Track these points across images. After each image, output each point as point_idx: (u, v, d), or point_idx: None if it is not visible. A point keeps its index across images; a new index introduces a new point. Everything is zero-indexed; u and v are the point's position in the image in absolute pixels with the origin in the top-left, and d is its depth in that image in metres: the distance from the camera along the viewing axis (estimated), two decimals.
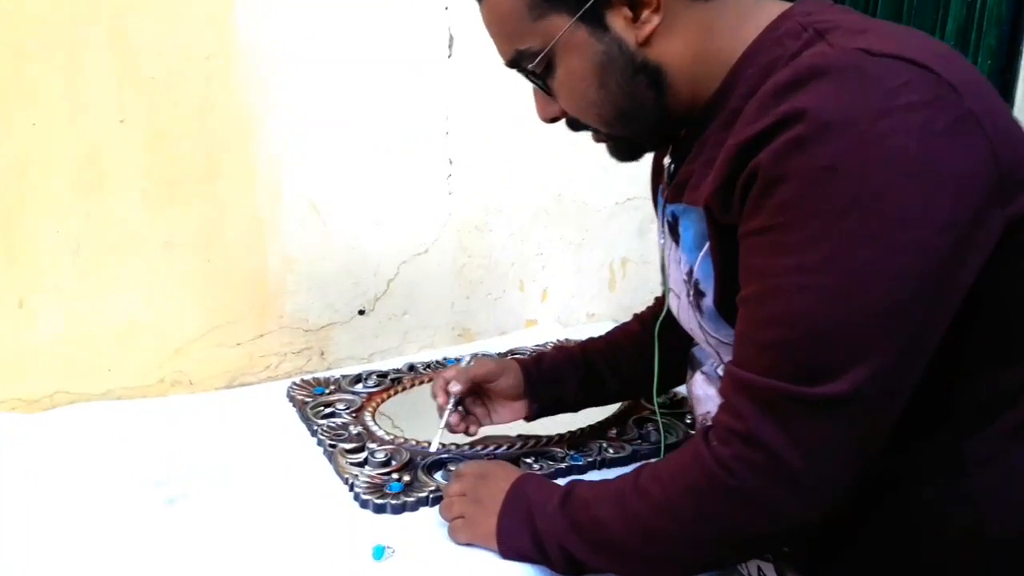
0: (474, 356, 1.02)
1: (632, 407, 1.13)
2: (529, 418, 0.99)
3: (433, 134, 1.31)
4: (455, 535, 0.81)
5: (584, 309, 1.57)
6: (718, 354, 0.77)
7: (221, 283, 1.19)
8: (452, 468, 0.94)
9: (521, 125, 1.38)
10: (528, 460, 0.97)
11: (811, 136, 0.57)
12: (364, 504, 0.88)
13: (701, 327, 0.75)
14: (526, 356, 1.05)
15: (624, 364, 0.99)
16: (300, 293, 1.26)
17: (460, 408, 0.96)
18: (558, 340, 1.40)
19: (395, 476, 0.92)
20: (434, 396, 0.96)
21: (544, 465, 0.96)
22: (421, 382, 1.22)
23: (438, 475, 0.95)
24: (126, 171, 1.09)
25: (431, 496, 0.89)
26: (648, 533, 0.68)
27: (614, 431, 1.05)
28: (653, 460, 0.77)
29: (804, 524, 0.63)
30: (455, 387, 0.94)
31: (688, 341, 0.86)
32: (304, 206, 1.23)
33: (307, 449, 1.03)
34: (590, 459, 0.98)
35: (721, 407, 0.66)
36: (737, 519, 0.63)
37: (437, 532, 0.83)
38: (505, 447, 1.00)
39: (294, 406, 1.14)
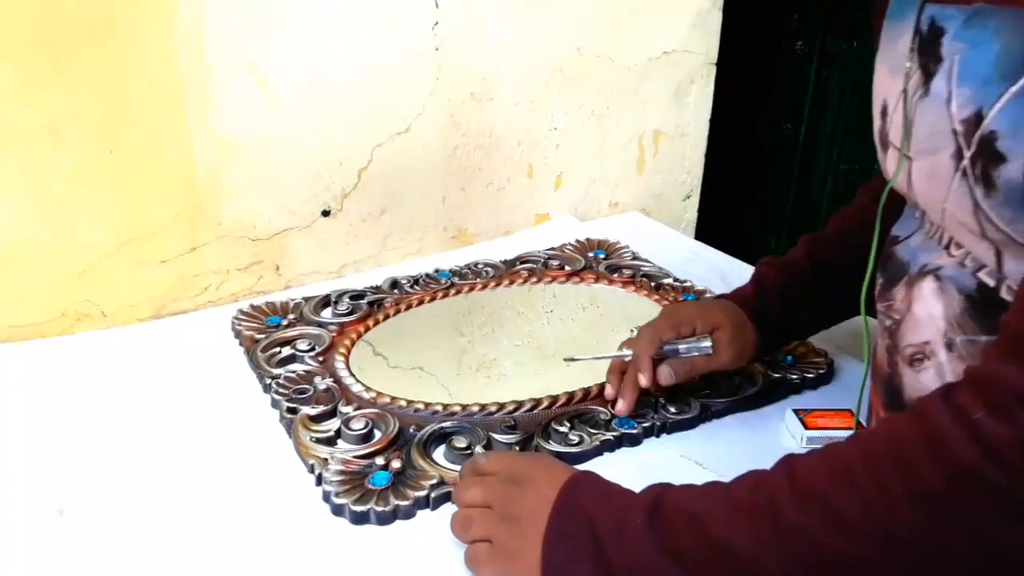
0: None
1: None
2: (735, 363, 0.77)
3: None
4: (478, 568, 0.58)
5: (606, 198, 1.31)
6: (997, 257, 0.51)
7: (133, 181, 0.91)
8: (458, 444, 0.71)
9: None
10: (561, 428, 0.73)
11: None
12: (338, 511, 0.64)
13: (977, 210, 0.49)
14: (740, 290, 0.81)
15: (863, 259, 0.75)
16: (243, 191, 0.98)
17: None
18: (577, 241, 1.15)
19: (379, 461, 0.68)
20: (638, 364, 0.74)
21: (584, 435, 0.72)
22: (409, 305, 0.97)
23: (438, 454, 0.71)
24: None
25: (432, 494, 0.65)
26: (828, 566, 0.45)
27: None
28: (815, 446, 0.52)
29: None
30: (667, 379, 0.74)
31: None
32: (242, 71, 0.94)
33: (258, 412, 0.78)
34: (645, 423, 0.74)
35: (995, 353, 0.43)
36: (1001, 542, 0.41)
37: (448, 554, 0.60)
38: (528, 407, 0.76)
39: (241, 345, 0.89)
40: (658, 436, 0.75)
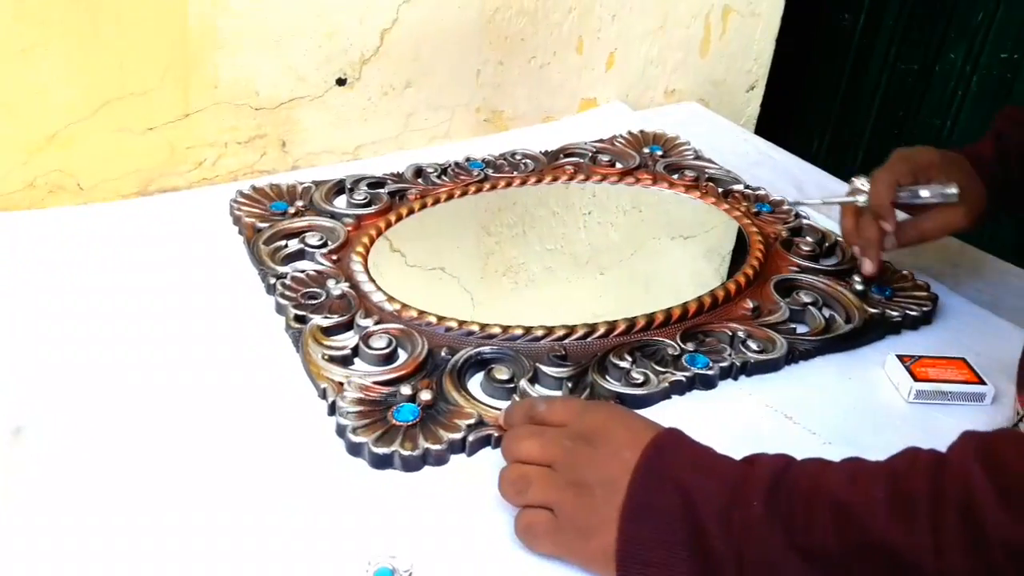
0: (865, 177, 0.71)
1: (771, 260, 0.77)
2: (971, 226, 0.69)
3: None
4: (534, 542, 0.48)
5: (662, 84, 1.16)
6: None
7: (110, 27, 0.78)
8: (499, 376, 0.60)
9: None
10: (621, 363, 0.63)
11: None
12: (355, 450, 0.55)
13: None
14: (974, 147, 0.73)
15: None
16: (243, 49, 0.85)
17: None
18: (630, 133, 1.02)
19: (405, 390, 0.58)
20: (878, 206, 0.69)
21: (649, 374, 0.62)
22: (437, 199, 0.85)
23: (474, 384, 0.61)
24: None
25: (470, 437, 0.55)
26: None
27: (749, 305, 0.70)
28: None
29: None
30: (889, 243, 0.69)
31: None
32: None
33: (260, 315, 0.68)
34: (722, 363, 0.64)
35: None
36: None
37: (488, 513, 0.51)
38: (580, 334, 0.66)
39: (240, 233, 0.78)
40: (736, 379, 0.64)
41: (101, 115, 0.81)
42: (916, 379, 0.63)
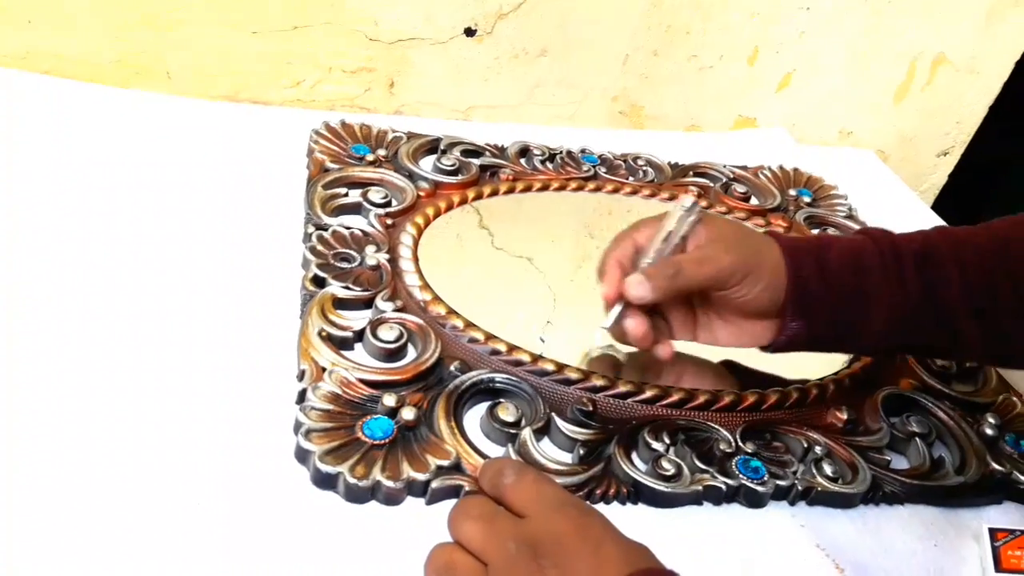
0: (689, 207, 0.52)
1: (891, 365, 0.63)
2: (771, 348, 0.53)
3: None
4: None
5: (839, 121, 1.00)
6: None
7: None
8: (503, 416, 0.50)
9: None
10: (655, 443, 0.51)
11: None
12: (301, 456, 0.46)
13: None
14: (798, 240, 0.54)
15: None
16: None
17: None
18: (781, 167, 0.87)
19: (389, 400, 0.48)
20: (600, 276, 0.53)
21: (684, 467, 0.50)
22: (528, 186, 0.75)
23: (473, 415, 0.51)
24: None
25: (434, 481, 0.45)
26: None
27: (843, 415, 0.56)
28: None
29: None
30: (639, 290, 0.50)
31: None
32: None
33: (284, 265, 0.60)
34: (781, 481, 0.50)
35: None
36: None
37: None
38: (618, 391, 0.54)
39: (307, 168, 0.71)
40: (792, 504, 0.51)
41: (205, 5, 0.75)
42: (1000, 568, 0.47)
